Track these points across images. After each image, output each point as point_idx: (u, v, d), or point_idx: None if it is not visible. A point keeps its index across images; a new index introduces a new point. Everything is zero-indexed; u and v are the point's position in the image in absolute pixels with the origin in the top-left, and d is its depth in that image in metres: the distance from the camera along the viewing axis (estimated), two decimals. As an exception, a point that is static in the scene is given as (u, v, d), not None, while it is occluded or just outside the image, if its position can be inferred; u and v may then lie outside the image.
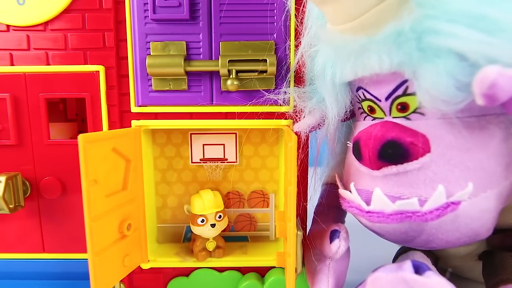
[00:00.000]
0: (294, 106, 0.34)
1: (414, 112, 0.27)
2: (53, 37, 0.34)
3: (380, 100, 0.28)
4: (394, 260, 0.39)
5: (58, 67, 0.34)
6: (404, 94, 0.27)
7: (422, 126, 0.26)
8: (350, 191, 0.30)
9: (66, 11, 0.34)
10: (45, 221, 0.37)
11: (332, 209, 0.38)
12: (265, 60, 0.33)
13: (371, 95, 0.29)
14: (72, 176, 0.36)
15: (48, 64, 0.35)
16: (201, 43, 0.34)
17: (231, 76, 0.33)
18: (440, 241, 0.27)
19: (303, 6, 0.33)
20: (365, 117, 0.31)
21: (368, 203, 0.28)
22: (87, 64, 0.34)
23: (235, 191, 0.41)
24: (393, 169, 0.26)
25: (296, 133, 0.33)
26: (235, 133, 0.39)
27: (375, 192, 0.27)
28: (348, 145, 0.32)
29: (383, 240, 0.49)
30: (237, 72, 0.33)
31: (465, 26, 0.21)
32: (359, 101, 0.31)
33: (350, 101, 0.31)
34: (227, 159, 0.40)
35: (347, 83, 0.30)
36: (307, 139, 0.36)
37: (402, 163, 0.26)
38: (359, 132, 0.29)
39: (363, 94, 0.30)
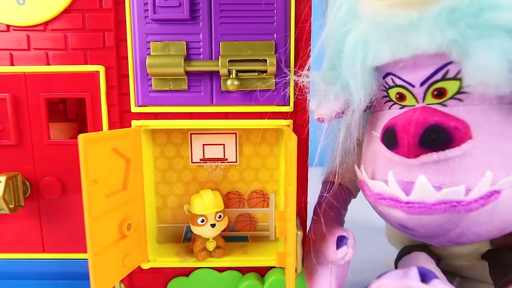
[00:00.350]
0: (295, 107, 0.34)
1: (451, 98, 0.26)
2: (53, 37, 0.34)
3: (413, 86, 0.27)
4: (397, 261, 0.39)
5: (58, 67, 0.34)
6: (443, 78, 0.25)
7: (462, 112, 0.25)
8: (382, 182, 0.28)
9: (66, 11, 0.34)
10: (45, 221, 0.37)
11: (334, 209, 0.37)
12: (265, 60, 0.33)
13: (403, 80, 0.27)
14: (72, 176, 0.36)
15: (48, 64, 0.35)
16: (201, 43, 0.34)
17: (231, 76, 0.33)
18: (472, 234, 0.26)
19: (304, 5, 0.33)
20: (391, 105, 0.29)
21: (406, 193, 0.26)
22: (87, 64, 0.34)
23: (235, 191, 0.41)
24: (433, 156, 0.25)
25: (300, 127, 0.32)
26: (235, 133, 0.39)
27: (419, 180, 0.25)
28: (373, 134, 0.30)
29: (384, 240, 0.49)
30: (237, 72, 0.33)
31: None
32: (385, 88, 0.29)
33: (377, 88, 0.29)
34: (227, 159, 0.40)
35: (375, 69, 0.28)
36: (307, 139, 0.36)
37: (443, 149, 0.24)
38: (391, 119, 0.28)
39: (392, 81, 0.28)
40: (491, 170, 0.24)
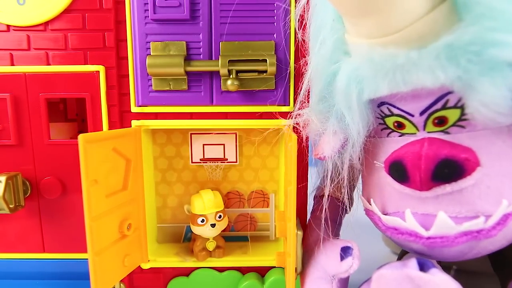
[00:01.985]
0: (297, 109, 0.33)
1: (453, 125, 0.25)
2: (53, 37, 0.34)
3: (413, 116, 0.26)
4: (398, 259, 0.39)
5: (58, 67, 0.34)
6: (444, 108, 0.25)
7: (465, 139, 0.25)
8: (397, 217, 0.28)
9: (66, 11, 0.34)
10: (45, 221, 0.37)
11: (329, 223, 0.36)
12: (265, 60, 0.33)
13: (401, 110, 0.27)
14: (72, 176, 0.36)
15: (48, 64, 0.35)
16: (201, 43, 0.34)
17: (231, 76, 0.33)
18: (487, 251, 0.26)
19: (306, 12, 0.32)
20: (389, 133, 0.29)
21: (426, 227, 0.26)
22: (87, 64, 0.34)
23: (235, 191, 0.41)
24: (447, 188, 0.25)
25: (297, 134, 0.32)
26: (235, 133, 0.39)
27: (439, 217, 0.25)
28: (376, 164, 0.30)
29: (382, 241, 0.49)
30: (237, 72, 0.33)
31: None
32: (380, 117, 0.29)
33: (373, 117, 0.29)
34: (227, 159, 0.40)
35: (369, 100, 0.27)
36: (307, 139, 0.36)
37: (456, 181, 0.25)
38: (395, 152, 0.27)
39: (389, 110, 0.27)
40: (504, 194, 0.24)
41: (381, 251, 0.49)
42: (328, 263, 0.31)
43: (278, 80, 0.34)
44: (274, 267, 0.37)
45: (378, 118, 0.29)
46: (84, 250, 0.32)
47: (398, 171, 0.27)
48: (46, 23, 0.34)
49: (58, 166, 0.36)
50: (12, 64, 0.35)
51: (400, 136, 0.28)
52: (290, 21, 0.34)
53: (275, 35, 0.34)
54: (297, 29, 0.32)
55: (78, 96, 0.35)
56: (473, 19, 0.21)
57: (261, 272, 0.38)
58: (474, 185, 0.25)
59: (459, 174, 0.24)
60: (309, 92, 0.32)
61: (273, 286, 0.36)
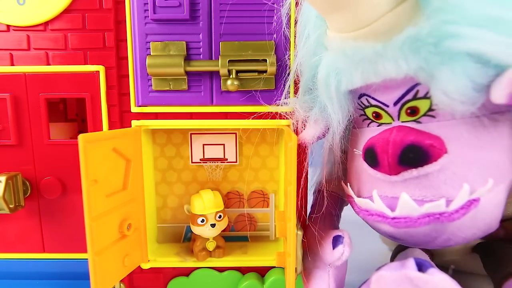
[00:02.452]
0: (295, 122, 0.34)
1: (424, 115, 0.27)
2: (53, 37, 0.34)
3: (388, 106, 0.28)
4: (392, 259, 0.39)
5: (58, 67, 0.34)
6: (414, 98, 0.27)
7: (435, 128, 0.26)
8: (368, 199, 0.30)
9: (66, 11, 0.34)
10: (45, 221, 0.37)
11: (328, 216, 0.38)
12: (265, 60, 0.33)
13: (378, 101, 0.29)
14: (72, 176, 0.36)
15: (48, 64, 0.35)
16: (201, 43, 0.34)
17: (231, 76, 0.33)
18: (458, 238, 0.27)
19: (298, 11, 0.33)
20: (369, 123, 0.31)
21: (392, 209, 0.28)
22: (87, 64, 0.34)
23: (235, 191, 0.41)
24: (413, 172, 0.26)
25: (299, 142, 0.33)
26: (235, 133, 0.39)
27: (402, 198, 0.27)
28: (356, 152, 0.32)
29: (379, 239, 0.49)
30: (237, 72, 0.33)
31: (485, 29, 0.22)
32: (361, 108, 0.31)
33: (353, 108, 0.31)
34: (227, 159, 0.40)
35: (349, 91, 0.29)
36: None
37: (422, 166, 0.26)
38: (370, 139, 0.29)
39: (367, 101, 0.29)
40: (468, 180, 0.25)
41: (379, 250, 0.49)
42: (323, 252, 0.33)
43: (278, 80, 0.34)
44: (274, 267, 0.37)
45: (359, 109, 0.31)
46: (84, 250, 0.32)
47: (371, 156, 0.29)
48: (46, 23, 0.34)
49: (58, 166, 0.36)
50: (12, 64, 0.35)
51: (378, 126, 0.30)
52: (290, 21, 0.34)
53: (275, 35, 0.34)
54: (284, 27, 0.33)
55: (78, 96, 0.35)
56: (431, 13, 0.23)
57: (261, 272, 0.38)
58: (439, 170, 0.26)
59: (424, 160, 0.26)
60: (295, 83, 0.34)
61: (273, 286, 0.36)
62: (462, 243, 0.28)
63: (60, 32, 0.34)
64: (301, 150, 0.35)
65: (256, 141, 0.40)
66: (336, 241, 0.32)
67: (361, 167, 0.31)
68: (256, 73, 0.34)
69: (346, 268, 0.34)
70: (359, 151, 0.31)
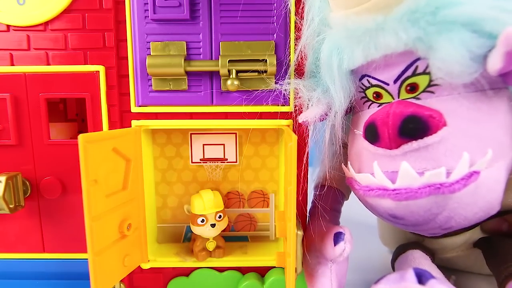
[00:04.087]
0: (295, 106, 0.34)
1: (423, 91, 0.28)
2: (53, 37, 0.34)
3: (388, 84, 0.29)
4: (393, 261, 0.39)
5: (58, 67, 0.34)
6: (414, 74, 0.27)
7: (434, 103, 0.27)
8: (369, 174, 0.29)
9: (66, 11, 0.34)
10: (45, 221, 0.37)
11: (328, 212, 0.38)
12: (265, 60, 0.33)
13: (378, 80, 0.29)
14: (72, 176, 0.36)
15: (48, 64, 0.35)
16: (201, 43, 0.34)
17: (231, 76, 0.33)
18: (459, 217, 0.27)
19: (303, 5, 0.33)
20: (370, 105, 0.31)
21: (393, 181, 0.28)
22: (87, 64, 0.34)
23: (235, 191, 0.41)
24: (413, 144, 0.26)
25: (300, 127, 0.33)
26: (235, 133, 0.39)
27: (402, 167, 0.27)
28: (356, 132, 0.32)
29: (379, 239, 0.49)
30: (237, 72, 0.33)
31: None
32: (362, 90, 0.31)
33: (355, 89, 0.31)
34: (227, 159, 0.40)
35: (351, 72, 0.30)
36: (307, 139, 0.36)
37: (422, 137, 0.26)
38: (371, 115, 0.29)
39: (368, 82, 0.30)
40: (468, 152, 0.26)
41: (379, 250, 0.49)
42: (324, 248, 0.33)
43: (278, 80, 0.34)
44: (274, 267, 0.38)
45: (360, 91, 0.32)
46: (84, 250, 0.32)
47: (371, 131, 0.29)
48: (46, 23, 0.34)
49: (58, 166, 0.36)
50: (12, 64, 0.35)
51: (378, 106, 0.30)
52: (290, 21, 0.34)
53: (275, 35, 0.34)
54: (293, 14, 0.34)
55: (78, 96, 0.35)
56: None
57: (261, 272, 0.38)
58: (439, 142, 0.26)
59: (424, 130, 0.26)
60: (299, 66, 0.34)
61: (273, 286, 0.36)
62: (464, 225, 0.28)
63: (60, 32, 0.34)
64: (301, 150, 0.35)
65: (256, 141, 0.40)
66: (337, 237, 0.32)
67: (361, 146, 0.31)
68: (256, 73, 0.34)
69: (347, 264, 0.34)
70: (359, 131, 0.31)
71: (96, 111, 0.35)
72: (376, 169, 0.29)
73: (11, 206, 0.34)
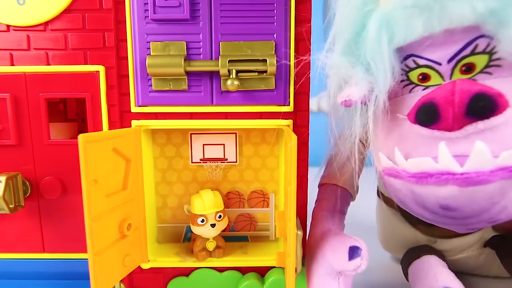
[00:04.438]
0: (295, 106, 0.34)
1: (480, 72, 0.26)
2: (53, 37, 0.34)
3: (440, 64, 0.27)
4: (406, 266, 0.39)
5: (58, 67, 0.34)
6: (472, 53, 0.25)
7: (493, 84, 0.25)
8: (429, 158, 0.26)
9: (66, 11, 0.34)
10: (45, 221, 0.37)
11: (336, 214, 0.36)
12: (265, 60, 0.33)
13: (428, 60, 0.27)
14: (72, 176, 0.36)
15: (48, 64, 0.35)
16: (201, 43, 0.34)
17: (231, 76, 0.33)
18: (511, 208, 0.25)
19: (304, 5, 0.33)
20: (412, 88, 0.29)
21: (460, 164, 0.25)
22: (87, 64, 0.34)
23: (235, 191, 0.41)
24: (479, 125, 0.24)
25: (300, 127, 0.31)
26: (235, 133, 0.39)
27: (476, 147, 0.24)
28: (400, 117, 0.29)
29: (380, 244, 0.49)
30: (237, 72, 0.33)
31: None
32: (404, 72, 0.29)
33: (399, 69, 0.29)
34: (227, 159, 0.40)
35: (396, 50, 0.28)
36: (307, 139, 0.36)
37: (488, 117, 0.24)
38: (426, 95, 0.26)
39: (414, 62, 0.28)
40: None
41: (380, 249, 0.49)
42: (335, 260, 0.31)
43: (278, 80, 0.34)
44: (274, 267, 0.37)
45: (402, 74, 0.29)
46: (84, 250, 0.32)
47: (428, 112, 0.26)
48: (46, 23, 0.34)
49: (58, 166, 0.36)
50: (12, 64, 0.35)
51: (423, 89, 0.28)
52: (290, 21, 0.34)
53: (275, 35, 0.34)
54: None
55: (78, 96, 0.35)
56: None
57: (261, 272, 0.38)
58: (506, 123, 0.24)
59: (492, 109, 0.24)
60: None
61: (273, 286, 0.36)
62: (511, 217, 0.26)
63: (60, 32, 0.34)
64: (301, 150, 0.35)
65: (256, 141, 0.40)
66: (353, 252, 0.30)
67: (409, 131, 0.27)
68: (256, 73, 0.34)
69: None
70: (403, 116, 0.28)
71: (96, 111, 0.35)
72: (444, 151, 0.25)
73: (11, 206, 0.34)
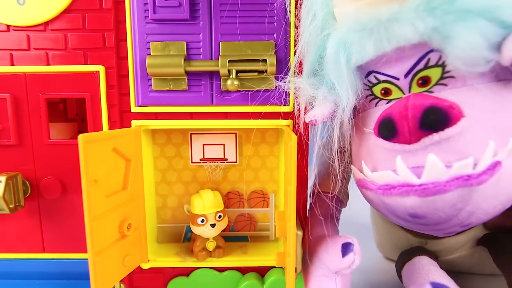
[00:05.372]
0: (298, 105, 0.34)
1: (436, 84, 0.27)
2: (53, 37, 0.34)
3: (398, 79, 0.28)
4: (399, 268, 0.39)
5: (58, 67, 0.34)
6: (426, 67, 0.27)
7: (448, 96, 0.26)
8: (390, 171, 0.27)
9: (66, 11, 0.34)
10: (45, 221, 0.37)
11: (329, 220, 0.37)
12: (265, 60, 0.33)
13: (387, 75, 0.29)
14: (72, 176, 0.36)
15: (48, 64, 0.35)
16: (201, 43, 0.34)
17: (231, 76, 0.33)
18: (480, 212, 0.26)
19: (301, 3, 0.32)
20: (377, 102, 0.31)
21: (417, 177, 0.26)
22: (87, 64, 0.34)
23: (235, 191, 0.41)
24: (435, 137, 0.25)
25: (306, 124, 0.32)
26: (235, 133, 0.39)
27: (429, 160, 0.25)
28: (366, 131, 0.31)
29: (375, 243, 0.49)
30: (237, 72, 0.33)
31: None
32: (368, 87, 0.31)
33: (361, 87, 0.30)
34: (227, 159, 0.40)
35: (357, 68, 0.29)
36: (307, 139, 0.36)
37: (443, 129, 0.25)
38: (384, 111, 0.28)
39: (375, 78, 0.29)
40: (490, 142, 0.25)
41: (377, 251, 0.49)
42: (329, 260, 0.31)
43: (278, 80, 0.34)
44: (274, 267, 0.37)
45: (366, 89, 0.31)
46: (84, 250, 0.32)
47: (387, 127, 0.28)
48: (46, 23, 0.34)
49: (58, 166, 0.36)
50: (12, 64, 0.35)
51: (387, 103, 0.30)
52: (290, 20, 0.34)
53: (275, 35, 0.34)
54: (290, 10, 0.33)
55: (78, 96, 0.35)
56: None
57: (261, 272, 0.38)
58: (460, 133, 0.25)
59: (445, 122, 0.25)
60: (300, 64, 0.33)
61: (273, 286, 0.36)
62: (483, 220, 0.27)
63: (60, 32, 0.34)
64: (301, 150, 0.35)
65: (256, 141, 0.40)
66: (346, 248, 0.31)
67: (374, 144, 0.29)
68: (256, 73, 0.34)
69: (351, 276, 0.33)
70: (369, 130, 0.30)
71: (96, 111, 0.35)
72: (400, 164, 0.27)
73: (11, 206, 0.34)
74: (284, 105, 0.35)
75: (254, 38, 0.34)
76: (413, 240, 0.41)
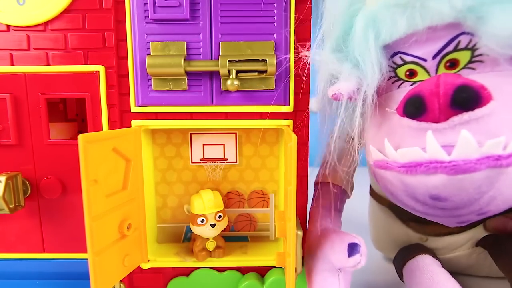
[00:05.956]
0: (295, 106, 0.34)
1: (464, 68, 0.27)
2: (53, 37, 0.34)
3: (425, 60, 0.28)
4: (400, 266, 0.39)
5: (58, 67, 0.34)
6: (455, 49, 0.27)
7: (476, 79, 0.25)
8: (417, 148, 0.26)
9: (66, 11, 0.34)
10: (45, 221, 0.37)
11: (333, 211, 0.37)
12: (265, 60, 0.33)
13: (414, 56, 0.28)
14: (72, 176, 0.36)
15: (48, 64, 0.35)
16: (201, 43, 0.34)
17: (231, 76, 0.33)
18: (501, 198, 0.26)
19: (304, 5, 0.33)
20: (400, 84, 0.30)
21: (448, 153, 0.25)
22: (87, 64, 0.34)
23: (235, 191, 0.41)
24: (464, 116, 0.25)
25: (300, 127, 0.32)
26: (235, 133, 0.39)
27: (462, 135, 0.24)
28: (389, 111, 0.30)
29: (372, 243, 0.49)
30: (237, 72, 0.33)
31: None
32: (392, 69, 0.30)
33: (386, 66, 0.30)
34: (227, 159, 0.40)
35: (383, 48, 0.29)
36: (307, 139, 0.36)
37: (473, 109, 0.25)
38: (413, 89, 0.27)
39: (401, 59, 0.29)
40: None
41: (376, 250, 0.49)
42: (335, 257, 0.31)
43: (278, 80, 0.34)
44: (274, 267, 0.38)
45: (390, 71, 0.30)
46: (84, 250, 0.32)
47: (415, 104, 0.27)
48: (46, 23, 0.34)
49: (58, 166, 0.36)
50: (12, 64, 0.35)
51: (411, 85, 0.29)
52: (290, 20, 0.34)
53: (275, 35, 0.34)
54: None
55: (78, 96, 0.35)
56: None
57: (261, 272, 0.38)
58: (490, 115, 0.24)
59: (476, 101, 0.24)
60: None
61: (273, 286, 0.36)
62: (501, 209, 0.27)
63: (60, 32, 0.34)
64: (301, 150, 0.35)
65: (256, 141, 0.40)
66: (353, 249, 0.30)
67: (398, 124, 0.28)
68: (256, 73, 0.34)
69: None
70: (392, 110, 0.29)
71: (96, 111, 0.35)
72: (431, 139, 0.25)
73: (11, 206, 0.34)
74: (284, 105, 0.35)
75: (254, 38, 0.34)
76: (413, 236, 0.41)
